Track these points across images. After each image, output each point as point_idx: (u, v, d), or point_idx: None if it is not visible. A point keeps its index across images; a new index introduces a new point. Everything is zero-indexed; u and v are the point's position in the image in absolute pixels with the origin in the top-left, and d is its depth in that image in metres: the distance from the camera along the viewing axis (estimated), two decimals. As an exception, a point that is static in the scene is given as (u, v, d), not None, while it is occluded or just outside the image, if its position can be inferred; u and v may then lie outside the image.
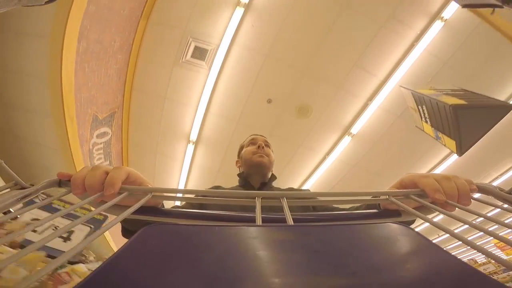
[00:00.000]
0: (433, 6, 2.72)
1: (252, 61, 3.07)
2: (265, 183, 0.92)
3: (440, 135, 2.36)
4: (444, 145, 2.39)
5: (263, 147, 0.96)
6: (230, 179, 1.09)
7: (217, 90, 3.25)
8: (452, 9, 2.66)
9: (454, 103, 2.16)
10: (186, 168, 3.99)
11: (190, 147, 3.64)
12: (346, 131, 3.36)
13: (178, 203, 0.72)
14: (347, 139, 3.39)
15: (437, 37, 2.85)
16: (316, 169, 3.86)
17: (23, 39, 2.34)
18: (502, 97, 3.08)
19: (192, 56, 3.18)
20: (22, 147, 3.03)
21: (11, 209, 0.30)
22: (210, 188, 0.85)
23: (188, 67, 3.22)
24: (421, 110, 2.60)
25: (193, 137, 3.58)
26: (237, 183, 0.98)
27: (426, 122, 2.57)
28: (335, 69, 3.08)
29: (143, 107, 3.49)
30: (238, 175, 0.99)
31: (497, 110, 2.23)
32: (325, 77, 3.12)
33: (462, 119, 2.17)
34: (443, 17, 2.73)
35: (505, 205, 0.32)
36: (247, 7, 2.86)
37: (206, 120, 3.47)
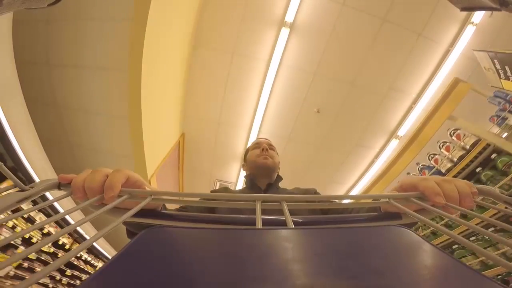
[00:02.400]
0: (391, 127, 3.45)
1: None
2: (271, 184, 0.93)
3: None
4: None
5: (267, 150, 0.98)
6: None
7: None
8: (405, 128, 3.28)
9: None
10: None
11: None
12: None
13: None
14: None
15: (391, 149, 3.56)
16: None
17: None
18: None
19: (219, 192, 4.49)
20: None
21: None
22: (218, 189, 1.06)
23: (218, 199, 4.55)
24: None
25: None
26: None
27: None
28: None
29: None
30: (245, 177, 1.01)
31: None
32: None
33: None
34: (398, 135, 3.41)
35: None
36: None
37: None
